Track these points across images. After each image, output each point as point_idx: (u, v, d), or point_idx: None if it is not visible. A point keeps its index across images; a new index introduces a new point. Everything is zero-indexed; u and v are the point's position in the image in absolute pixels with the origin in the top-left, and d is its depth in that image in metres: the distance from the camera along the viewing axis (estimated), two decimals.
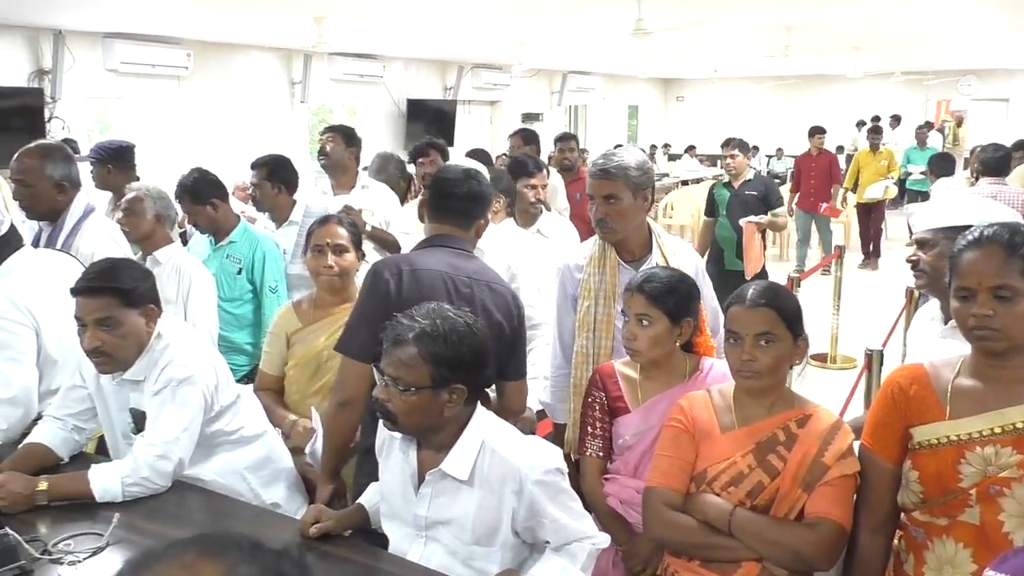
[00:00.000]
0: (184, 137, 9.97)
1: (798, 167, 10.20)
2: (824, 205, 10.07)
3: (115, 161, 4.51)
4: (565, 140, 6.29)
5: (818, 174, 10.05)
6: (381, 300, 2.37)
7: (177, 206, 3.98)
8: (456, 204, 2.56)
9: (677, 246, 2.83)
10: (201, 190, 4.01)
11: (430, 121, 13.38)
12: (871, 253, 11.08)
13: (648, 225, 2.79)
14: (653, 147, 18.13)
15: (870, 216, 11.10)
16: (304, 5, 5.93)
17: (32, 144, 3.24)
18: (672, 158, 18.51)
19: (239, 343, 3.93)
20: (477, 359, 1.99)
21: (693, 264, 2.78)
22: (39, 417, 2.61)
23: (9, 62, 8.37)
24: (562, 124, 17.77)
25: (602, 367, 2.55)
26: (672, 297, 2.36)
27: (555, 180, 5.51)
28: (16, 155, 3.19)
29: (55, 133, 8.59)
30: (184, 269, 3.53)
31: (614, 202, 2.67)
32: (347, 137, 4.64)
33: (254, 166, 4.39)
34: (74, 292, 2.35)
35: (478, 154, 6.05)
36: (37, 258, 2.85)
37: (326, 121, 14.89)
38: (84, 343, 2.34)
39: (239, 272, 4.00)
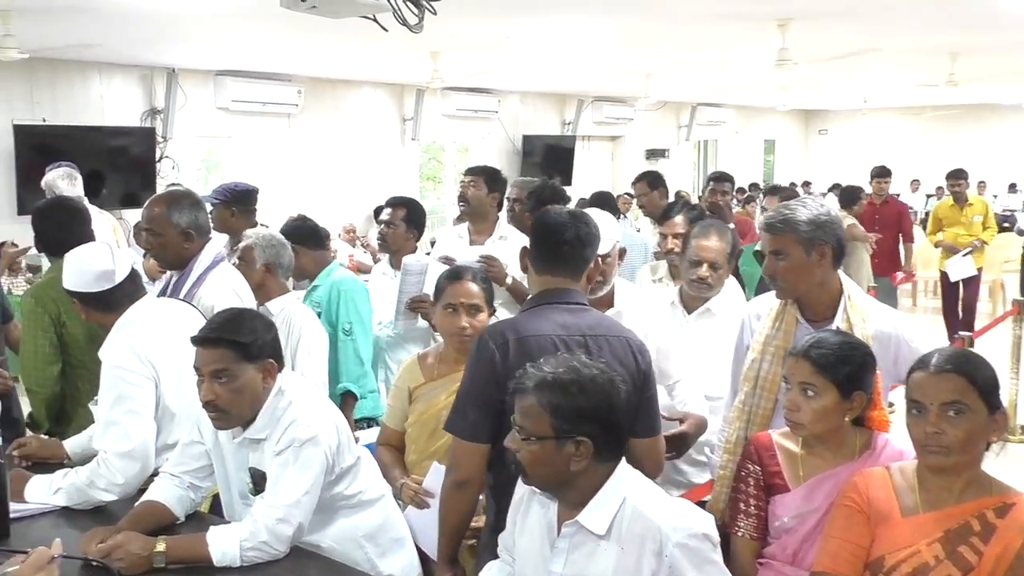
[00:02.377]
0: (293, 176, 10.44)
1: (860, 220, 8.18)
2: (900, 275, 8.46)
3: (239, 204, 4.73)
4: (719, 181, 6.13)
5: (884, 229, 8.28)
6: (487, 373, 2.37)
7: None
8: (567, 251, 2.52)
9: (873, 310, 2.73)
10: (288, 238, 4.15)
11: (546, 158, 13.56)
12: (958, 326, 8.48)
13: (840, 283, 2.72)
14: (792, 185, 17.77)
15: (957, 288, 8.61)
16: (420, 40, 6.10)
17: (161, 192, 3.43)
18: (787, 196, 18.08)
19: None
20: (601, 412, 2.00)
21: (892, 330, 2.67)
22: (155, 472, 2.73)
23: (124, 101, 8.99)
24: (690, 160, 17.68)
25: (758, 437, 2.48)
26: (843, 367, 2.28)
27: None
28: (146, 203, 3.41)
29: (165, 173, 9.14)
30: (295, 322, 3.62)
31: (782, 258, 2.64)
32: (490, 180, 4.68)
33: (391, 204, 4.50)
34: (193, 341, 2.46)
35: (601, 198, 6.06)
36: (158, 308, 3.00)
37: (436, 159, 15.32)
38: (200, 395, 2.44)
39: (319, 315, 4.11)
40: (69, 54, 8.03)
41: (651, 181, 5.97)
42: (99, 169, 8.27)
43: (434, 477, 2.80)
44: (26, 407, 3.76)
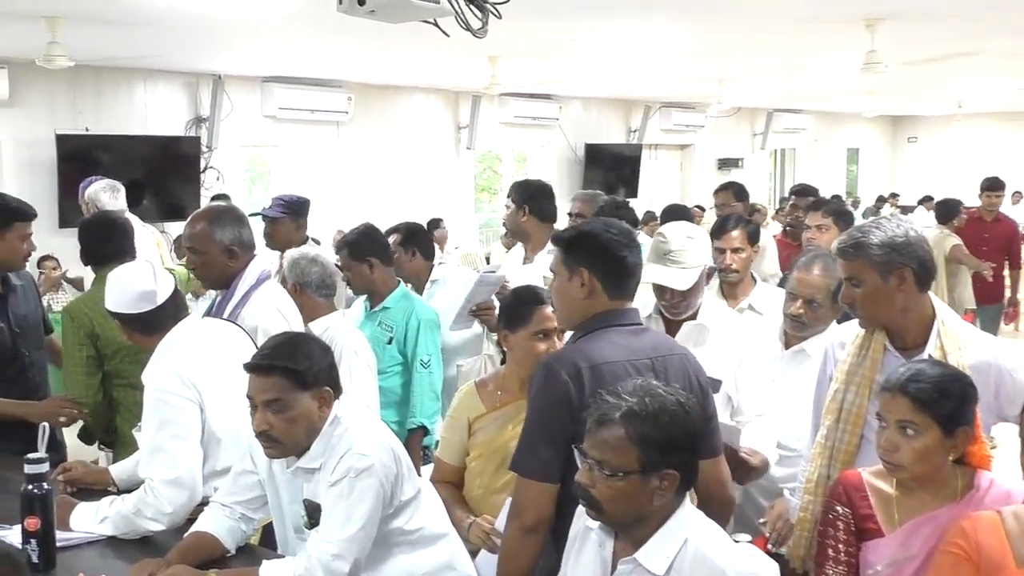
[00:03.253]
0: (342, 187, 10.58)
1: (964, 238, 7.61)
2: (1009, 308, 7.90)
3: (302, 216, 4.88)
4: (801, 195, 6.08)
5: (993, 250, 7.70)
6: (561, 407, 2.35)
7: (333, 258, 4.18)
8: (635, 273, 2.55)
9: (971, 337, 2.69)
10: (361, 246, 4.22)
11: (610, 168, 13.56)
12: None
13: (932, 307, 2.68)
14: (880, 199, 17.51)
15: None
16: (478, 44, 6.17)
17: (203, 208, 3.52)
18: (903, 211, 17.79)
19: (384, 421, 4.06)
20: (689, 441, 2.05)
21: (992, 359, 2.62)
22: (204, 502, 2.79)
23: (169, 110, 9.23)
24: (765, 170, 17.54)
25: (848, 477, 2.45)
26: (946, 402, 2.24)
27: (765, 240, 5.40)
28: (188, 220, 3.50)
29: (210, 184, 9.35)
30: (338, 342, 3.67)
31: (857, 285, 2.63)
32: (520, 196, 4.70)
33: (387, 234, 4.61)
34: (246, 368, 2.50)
35: (675, 211, 6.02)
36: (202, 328, 3.07)
37: (492, 169, 15.41)
38: (253, 425, 2.49)
39: (389, 341, 4.16)
40: (114, 62, 8.27)
41: (737, 192, 5.86)
42: (142, 180, 8.50)
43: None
44: (70, 430, 3.90)
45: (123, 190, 6.05)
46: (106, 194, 5.96)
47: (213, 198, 8.88)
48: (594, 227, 2.56)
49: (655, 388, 2.09)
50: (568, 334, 2.94)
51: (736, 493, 3.25)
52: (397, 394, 4.14)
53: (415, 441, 4.03)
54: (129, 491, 2.87)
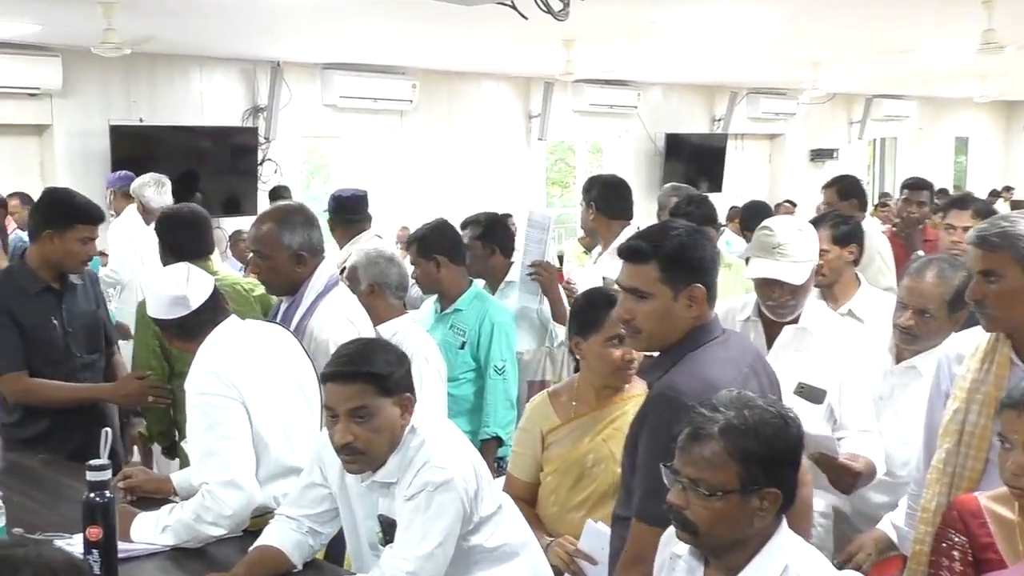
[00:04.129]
0: (405, 179, 10.69)
1: None
2: None
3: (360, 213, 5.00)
4: (915, 189, 5.88)
5: None
6: None
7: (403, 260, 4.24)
8: (715, 278, 2.52)
9: None
10: (430, 243, 4.25)
11: (693, 160, 13.48)
12: None
13: None
14: (993, 193, 17.08)
15: None
16: (553, 27, 6.19)
17: (269, 208, 3.56)
18: (1016, 206, 17.34)
19: None
20: (792, 456, 2.04)
21: None
22: (269, 512, 2.86)
23: (225, 99, 9.42)
24: (863, 162, 17.24)
25: (963, 502, 2.41)
26: None
27: (874, 238, 5.31)
28: (255, 220, 3.53)
29: (267, 177, 9.51)
30: (407, 347, 3.64)
31: (995, 280, 2.53)
32: (591, 193, 4.78)
33: (464, 225, 4.67)
34: (325, 378, 2.55)
35: (756, 208, 5.97)
36: (244, 329, 3.12)
37: (565, 161, 15.40)
38: (335, 437, 2.51)
39: (462, 346, 4.19)
40: (169, 48, 8.47)
41: (843, 189, 5.64)
42: (196, 172, 8.69)
43: (593, 539, 2.81)
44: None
45: (169, 184, 6.23)
46: (151, 189, 6.14)
47: (271, 191, 9.06)
48: (690, 235, 2.47)
49: (753, 399, 2.08)
50: None
51: (828, 521, 3.22)
52: (470, 402, 4.18)
53: (489, 452, 4.06)
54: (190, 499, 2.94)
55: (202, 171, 8.84)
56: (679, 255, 2.43)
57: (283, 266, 3.37)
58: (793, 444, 2.06)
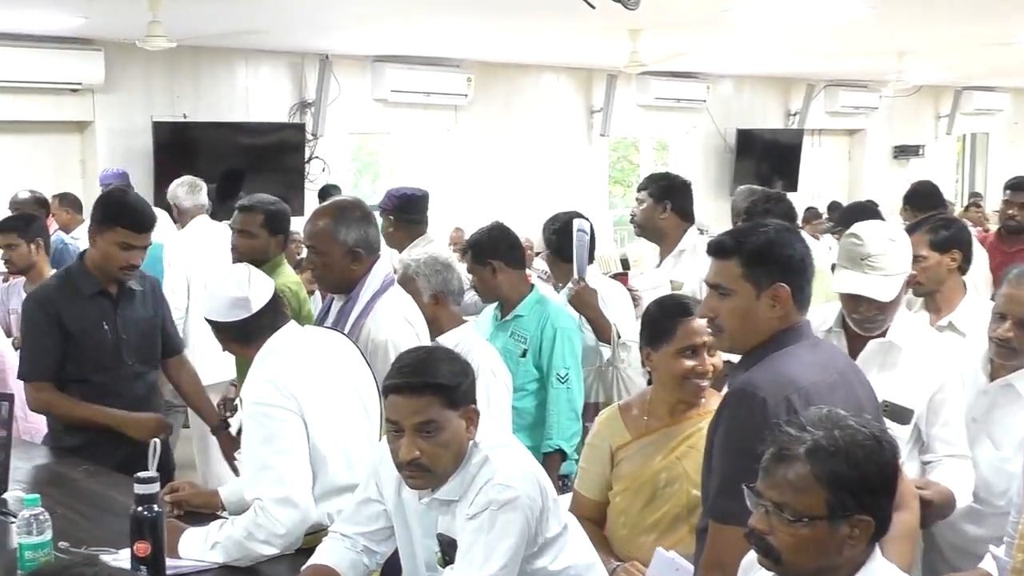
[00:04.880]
0: (459, 178, 10.74)
1: None
2: None
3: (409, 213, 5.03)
4: (1017, 190, 5.82)
5: None
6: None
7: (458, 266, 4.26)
8: (811, 277, 2.51)
9: None
10: (483, 248, 4.26)
11: (766, 157, 13.38)
12: None
13: None
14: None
15: None
16: (619, 16, 6.20)
17: (327, 202, 3.60)
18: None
19: None
20: (886, 482, 2.00)
21: None
22: (322, 530, 2.88)
23: (271, 93, 9.54)
24: (951, 160, 16.97)
25: None
26: None
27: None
28: (311, 213, 3.58)
29: (314, 175, 9.60)
30: (472, 359, 3.63)
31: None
32: (659, 188, 4.78)
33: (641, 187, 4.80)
34: (388, 390, 2.54)
35: (862, 211, 5.82)
36: (304, 336, 3.15)
37: (627, 159, 15.37)
38: (400, 453, 2.51)
39: (523, 354, 4.19)
40: (214, 41, 8.59)
41: (917, 205, 5.58)
42: (240, 170, 8.82)
43: (662, 568, 2.78)
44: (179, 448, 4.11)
45: (204, 187, 6.33)
46: (182, 189, 6.27)
47: (321, 190, 9.15)
48: (778, 233, 2.50)
49: (844, 418, 2.04)
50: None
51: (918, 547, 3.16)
52: (532, 415, 4.17)
53: (552, 467, 4.03)
54: (238, 515, 2.97)
55: (245, 169, 8.96)
56: (763, 252, 2.45)
57: (338, 263, 3.43)
58: (888, 469, 2.01)
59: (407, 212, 5.02)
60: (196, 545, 2.92)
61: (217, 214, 6.48)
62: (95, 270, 3.82)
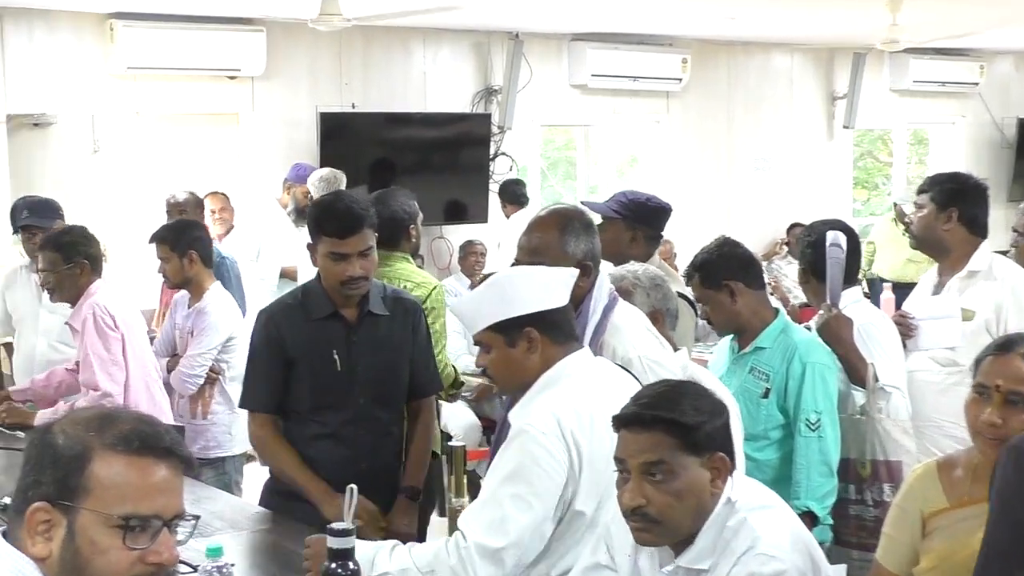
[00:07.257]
0: (671, 177, 10.70)
1: None
2: None
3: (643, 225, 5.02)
4: None
5: None
6: None
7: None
8: None
9: None
10: (717, 268, 4.21)
11: None
12: None
13: None
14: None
15: None
16: None
17: (546, 211, 3.68)
18: None
19: None
20: None
21: None
22: None
23: (452, 79, 9.76)
24: None
25: None
26: None
27: None
28: (529, 224, 3.67)
29: (500, 175, 9.74)
30: None
31: None
32: (941, 191, 4.62)
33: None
34: (617, 423, 2.56)
35: None
36: (592, 366, 3.13)
37: (873, 156, 15.02)
38: (623, 498, 2.52)
39: (765, 394, 4.12)
40: (388, 20, 8.79)
41: None
42: (415, 169, 9.10)
43: None
44: None
45: (343, 180, 6.58)
46: (318, 185, 6.51)
47: (503, 186, 9.33)
48: None
49: None
50: None
51: None
52: (774, 469, 4.08)
53: None
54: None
55: (421, 168, 9.22)
56: None
57: None
58: None
59: (652, 225, 4.98)
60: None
61: None
62: (329, 289, 3.90)
